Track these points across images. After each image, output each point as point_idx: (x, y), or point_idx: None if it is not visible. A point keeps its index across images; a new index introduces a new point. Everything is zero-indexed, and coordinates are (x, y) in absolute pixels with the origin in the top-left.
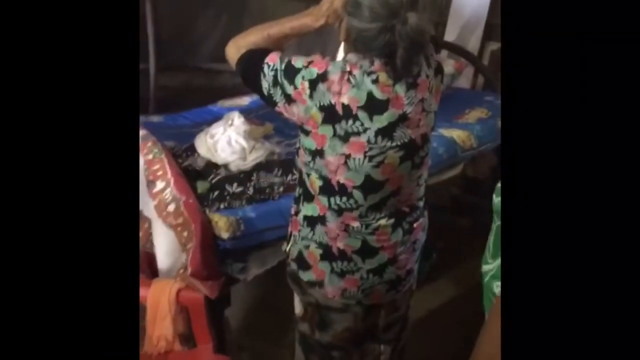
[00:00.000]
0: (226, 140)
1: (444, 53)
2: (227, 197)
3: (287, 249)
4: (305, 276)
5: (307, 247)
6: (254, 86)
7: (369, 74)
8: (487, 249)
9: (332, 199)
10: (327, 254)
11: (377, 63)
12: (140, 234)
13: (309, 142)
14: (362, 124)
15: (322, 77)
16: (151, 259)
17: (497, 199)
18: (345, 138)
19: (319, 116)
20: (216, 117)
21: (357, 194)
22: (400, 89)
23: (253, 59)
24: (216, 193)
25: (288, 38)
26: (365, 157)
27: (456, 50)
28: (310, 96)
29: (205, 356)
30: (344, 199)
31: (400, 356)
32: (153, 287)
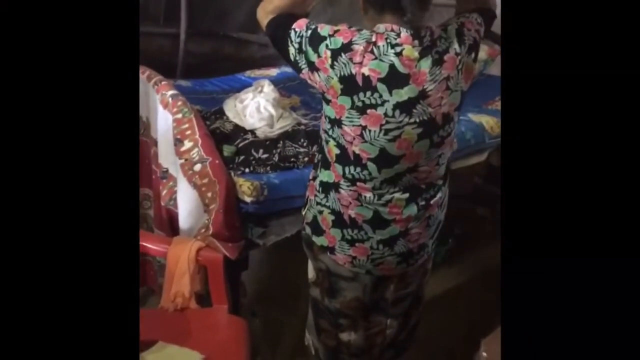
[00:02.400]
0: (255, 107)
1: None
2: (253, 163)
3: (304, 213)
4: (319, 241)
5: (321, 212)
6: (282, 51)
7: (394, 46)
8: None
9: (346, 168)
10: (339, 221)
11: (404, 35)
12: (165, 191)
13: (329, 110)
14: (380, 96)
15: (346, 47)
16: (173, 217)
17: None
18: (362, 109)
19: (338, 86)
20: (244, 86)
21: (372, 166)
22: (424, 64)
23: (281, 25)
24: (242, 158)
25: None
26: (381, 130)
27: (490, 36)
28: (332, 66)
29: (220, 316)
30: (358, 169)
31: (411, 334)
32: (173, 245)
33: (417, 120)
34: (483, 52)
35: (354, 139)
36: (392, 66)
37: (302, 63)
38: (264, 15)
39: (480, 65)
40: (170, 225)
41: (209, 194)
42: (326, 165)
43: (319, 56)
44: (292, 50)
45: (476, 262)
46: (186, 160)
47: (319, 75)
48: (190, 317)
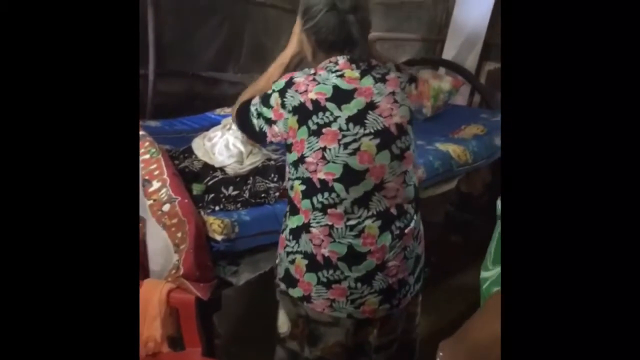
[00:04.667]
0: (224, 144)
1: (441, 70)
2: (223, 200)
3: (276, 268)
4: (294, 293)
5: (293, 261)
6: (249, 130)
7: (335, 71)
8: (488, 255)
9: (314, 199)
10: (313, 264)
11: (342, 62)
12: None
13: (292, 156)
14: (332, 114)
15: (289, 83)
16: (143, 259)
17: (500, 204)
18: (318, 132)
19: (294, 121)
20: (213, 124)
21: (339, 187)
22: (367, 81)
23: (243, 107)
24: (211, 196)
25: (275, 78)
26: (340, 145)
27: (454, 67)
28: (283, 105)
29: (194, 359)
30: (326, 194)
31: None
32: (144, 287)
33: (372, 130)
34: (447, 83)
35: (317, 164)
36: (335, 86)
37: (264, 126)
38: (234, 114)
39: (445, 96)
40: (141, 267)
41: (179, 234)
42: (294, 211)
43: (271, 107)
44: (254, 121)
45: (454, 291)
46: (155, 200)
47: (277, 126)
48: None
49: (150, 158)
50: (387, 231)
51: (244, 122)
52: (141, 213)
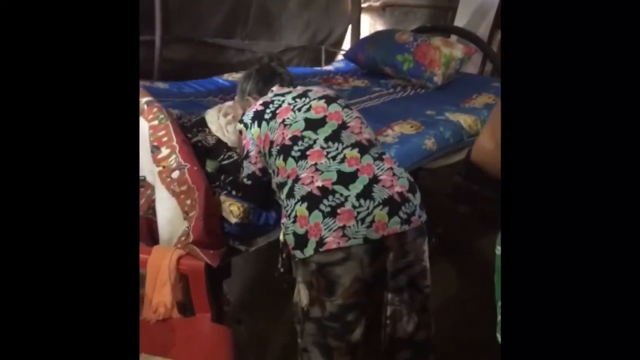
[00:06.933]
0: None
1: (453, 38)
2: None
3: (283, 239)
4: (308, 250)
5: (295, 217)
6: (252, 190)
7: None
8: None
9: (292, 152)
10: (312, 201)
11: (276, 88)
12: (142, 200)
13: (267, 155)
14: (279, 100)
15: (242, 116)
16: (152, 226)
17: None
18: (273, 116)
19: (254, 126)
20: (221, 88)
21: (308, 133)
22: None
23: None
24: (230, 178)
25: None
26: (294, 111)
27: (466, 35)
28: (246, 126)
29: (203, 325)
30: (300, 142)
31: (426, 330)
32: (153, 254)
33: (315, 97)
34: (459, 50)
35: (283, 132)
36: (275, 94)
37: (249, 168)
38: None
39: (456, 64)
40: (149, 235)
41: (188, 201)
42: (283, 186)
43: (246, 152)
44: (244, 178)
45: (460, 261)
46: (164, 167)
47: (250, 150)
48: (173, 327)
49: (158, 124)
50: (367, 154)
51: (246, 191)
52: (150, 180)
